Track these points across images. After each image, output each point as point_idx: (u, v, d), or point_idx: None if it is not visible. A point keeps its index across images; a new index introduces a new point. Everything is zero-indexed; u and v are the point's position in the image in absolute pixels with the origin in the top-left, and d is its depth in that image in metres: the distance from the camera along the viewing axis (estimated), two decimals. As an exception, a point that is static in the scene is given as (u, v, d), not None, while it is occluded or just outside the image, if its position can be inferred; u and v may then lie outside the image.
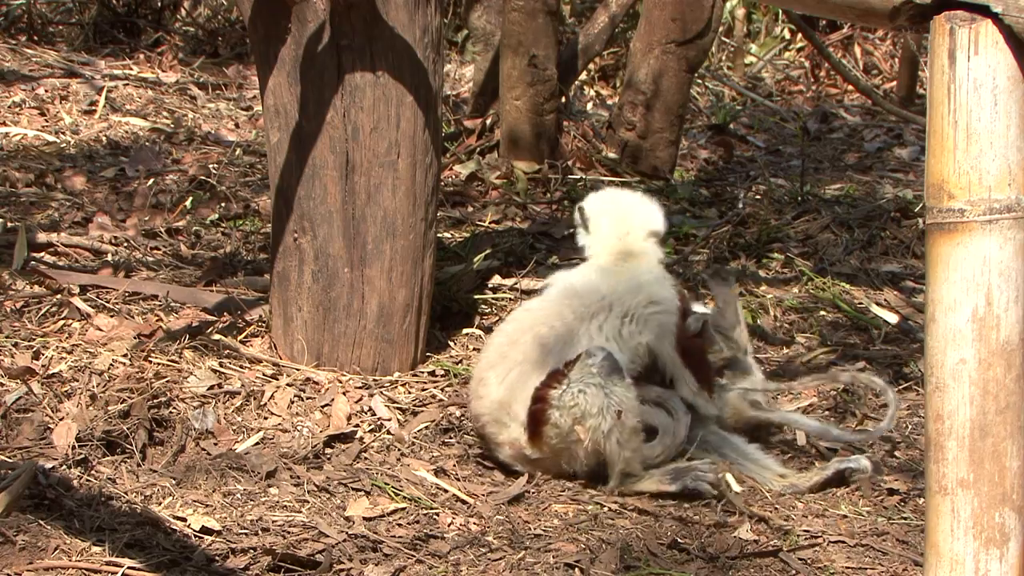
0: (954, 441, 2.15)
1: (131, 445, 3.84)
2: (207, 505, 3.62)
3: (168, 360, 4.25)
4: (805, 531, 3.68)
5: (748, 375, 4.26)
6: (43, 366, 4.12)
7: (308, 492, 3.74)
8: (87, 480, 3.68)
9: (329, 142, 4.35)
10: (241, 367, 4.33)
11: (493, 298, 5.14)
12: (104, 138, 6.97)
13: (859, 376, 4.34)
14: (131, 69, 8.46)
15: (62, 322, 4.49)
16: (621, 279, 4.04)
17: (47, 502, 3.50)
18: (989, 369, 2.13)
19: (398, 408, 4.24)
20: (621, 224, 4.15)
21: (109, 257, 5.26)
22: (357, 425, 4.13)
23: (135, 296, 4.75)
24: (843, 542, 3.62)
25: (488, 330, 4.88)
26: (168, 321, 4.59)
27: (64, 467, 3.70)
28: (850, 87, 9.52)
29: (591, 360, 3.79)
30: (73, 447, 3.77)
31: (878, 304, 5.41)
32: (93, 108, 7.45)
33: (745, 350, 4.29)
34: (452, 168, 6.75)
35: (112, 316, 4.55)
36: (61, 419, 3.88)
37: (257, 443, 4.00)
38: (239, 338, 4.54)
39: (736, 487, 3.89)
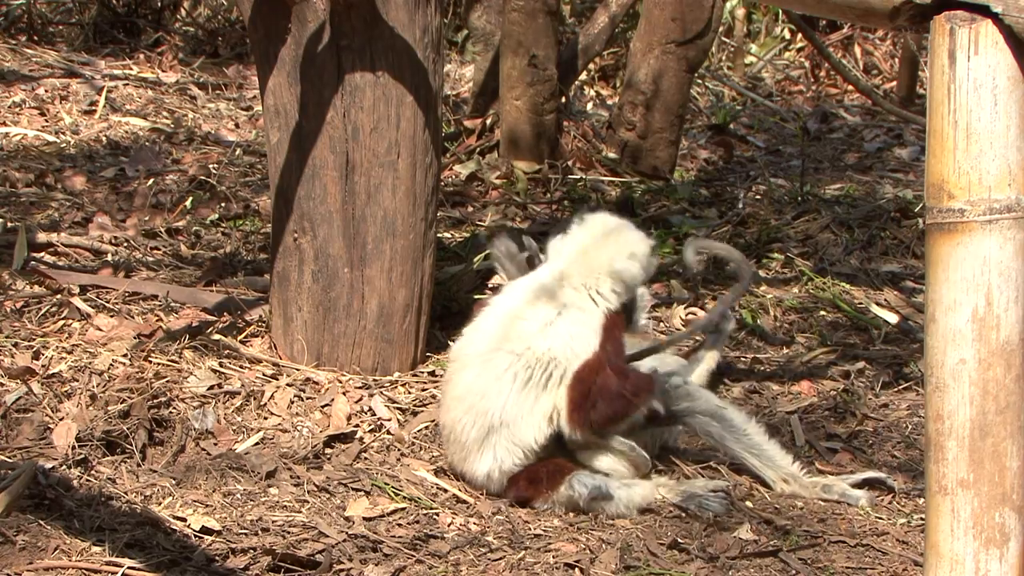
0: (954, 441, 2.15)
1: (131, 445, 3.84)
2: (207, 505, 3.62)
3: (168, 360, 4.25)
4: (805, 531, 3.68)
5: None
6: (43, 366, 4.12)
7: (308, 492, 3.74)
8: (87, 480, 3.68)
9: (329, 142, 4.35)
10: (241, 367, 4.33)
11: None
12: (104, 138, 6.97)
13: (713, 245, 4.40)
14: (131, 69, 8.46)
15: (62, 322, 4.49)
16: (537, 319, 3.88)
17: (47, 502, 3.50)
18: (989, 369, 2.14)
19: (398, 408, 4.24)
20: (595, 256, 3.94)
21: (109, 257, 5.26)
22: (357, 425, 4.13)
23: (135, 296, 4.75)
24: (843, 542, 3.62)
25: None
26: (168, 321, 4.59)
27: (64, 467, 3.70)
28: (850, 87, 9.51)
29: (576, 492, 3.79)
30: (73, 447, 3.77)
31: (878, 304, 5.41)
32: (93, 108, 7.45)
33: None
34: (452, 168, 6.75)
35: (112, 316, 4.55)
36: (61, 419, 3.88)
37: (257, 443, 4.00)
38: (239, 338, 4.54)
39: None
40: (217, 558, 3.33)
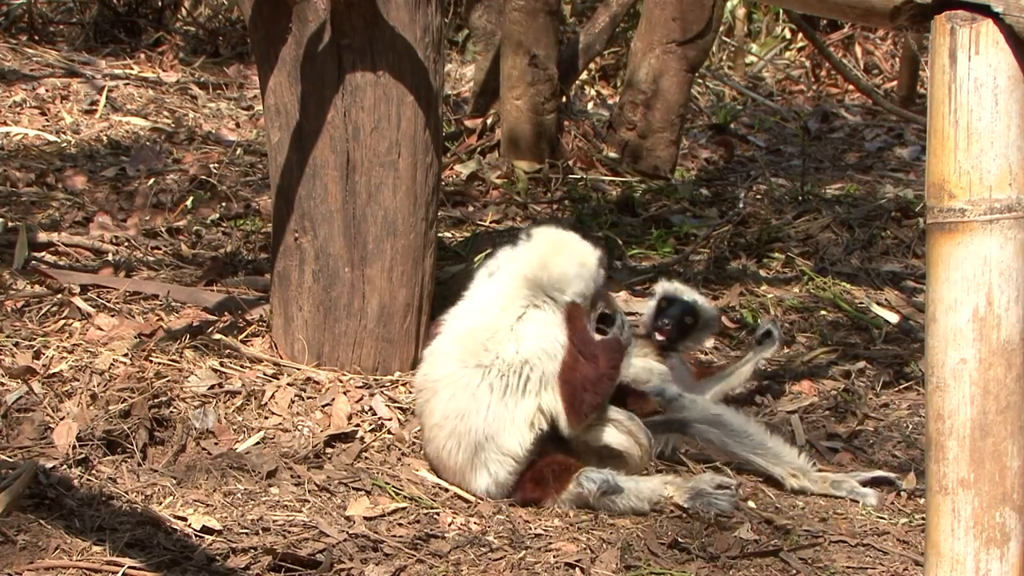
0: (955, 441, 2.15)
1: (132, 445, 3.83)
2: (208, 505, 3.62)
3: (169, 360, 4.25)
4: (806, 531, 3.68)
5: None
6: (44, 366, 4.12)
7: (308, 492, 3.74)
8: (87, 480, 3.68)
9: (330, 142, 4.35)
10: (242, 367, 4.33)
11: (494, 298, 5.14)
12: (105, 138, 6.97)
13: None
14: (132, 69, 8.46)
15: (63, 322, 4.49)
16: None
17: (47, 502, 3.50)
18: (990, 369, 2.13)
19: (399, 408, 4.24)
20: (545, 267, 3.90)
21: (110, 257, 5.26)
22: (358, 425, 4.13)
23: (136, 296, 4.75)
24: (844, 542, 3.62)
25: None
26: (169, 321, 4.59)
27: (64, 467, 3.70)
28: (851, 87, 9.52)
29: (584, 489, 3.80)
30: (73, 447, 3.77)
31: (879, 304, 5.41)
32: (94, 108, 7.45)
33: None
34: (453, 168, 6.75)
35: (113, 316, 4.55)
36: (62, 419, 3.88)
37: (257, 443, 4.00)
38: (239, 338, 4.54)
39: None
40: (218, 558, 3.33)
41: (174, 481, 3.73)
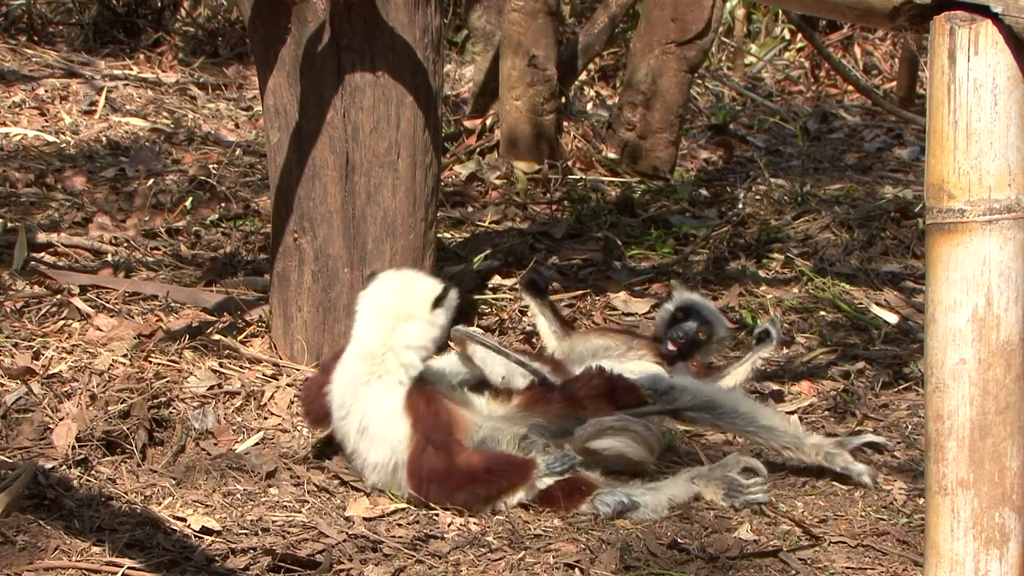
0: (954, 441, 2.15)
1: (131, 445, 3.84)
2: (207, 505, 3.62)
3: (168, 360, 4.25)
4: (805, 531, 3.68)
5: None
6: (43, 366, 4.12)
7: (308, 492, 3.74)
8: (87, 480, 3.68)
9: (329, 142, 4.35)
10: (241, 367, 4.33)
11: (493, 298, 5.14)
12: (104, 138, 6.97)
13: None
14: (131, 69, 8.46)
15: (62, 322, 4.49)
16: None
17: (47, 502, 3.50)
18: (989, 369, 2.14)
19: (398, 408, 4.24)
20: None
21: (109, 257, 5.26)
22: (357, 425, 4.12)
23: (135, 296, 4.76)
24: (843, 542, 3.62)
25: (488, 330, 4.89)
26: (168, 321, 4.59)
27: (64, 467, 3.70)
28: (850, 87, 9.52)
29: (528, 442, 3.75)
30: (73, 447, 3.77)
31: (878, 304, 5.41)
32: (93, 108, 7.45)
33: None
34: (452, 168, 6.75)
35: (112, 316, 4.56)
36: (61, 419, 3.88)
37: (257, 443, 4.00)
38: (239, 338, 4.54)
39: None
40: (217, 558, 3.33)
41: (173, 482, 3.73)
